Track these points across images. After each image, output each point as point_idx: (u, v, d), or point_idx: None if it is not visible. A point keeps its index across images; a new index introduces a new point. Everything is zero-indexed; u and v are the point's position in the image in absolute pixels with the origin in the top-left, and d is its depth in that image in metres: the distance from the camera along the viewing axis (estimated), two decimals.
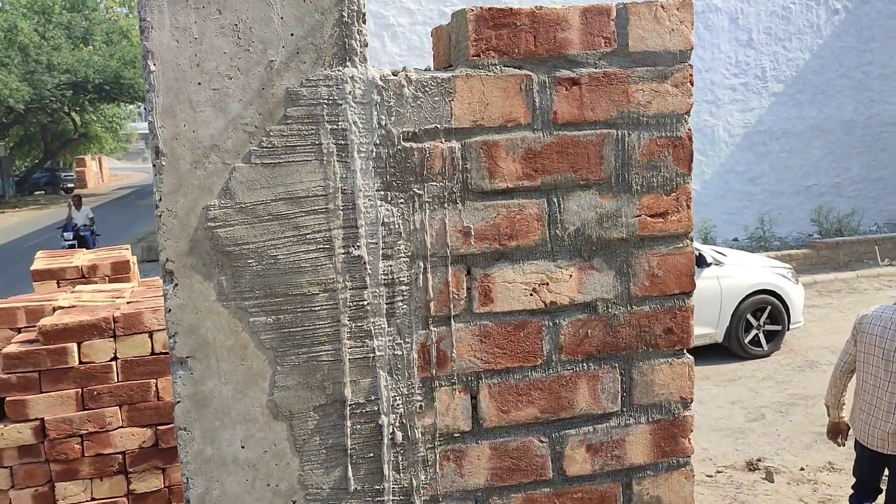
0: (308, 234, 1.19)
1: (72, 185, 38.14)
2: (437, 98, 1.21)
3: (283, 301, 1.19)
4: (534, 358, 1.30)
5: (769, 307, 8.88)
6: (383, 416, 1.25)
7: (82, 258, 3.99)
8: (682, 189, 1.32)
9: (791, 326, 9.03)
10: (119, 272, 3.85)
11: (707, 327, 8.70)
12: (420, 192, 1.22)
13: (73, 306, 2.91)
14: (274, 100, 1.16)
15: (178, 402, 1.18)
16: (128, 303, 2.96)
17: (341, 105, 1.18)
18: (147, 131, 1.17)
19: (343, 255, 1.20)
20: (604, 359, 1.33)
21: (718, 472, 5.95)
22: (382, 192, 1.21)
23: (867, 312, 4.17)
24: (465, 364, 1.27)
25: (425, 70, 1.24)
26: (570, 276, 1.30)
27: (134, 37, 32.99)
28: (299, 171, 1.17)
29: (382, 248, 1.22)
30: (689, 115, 1.31)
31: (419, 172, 1.22)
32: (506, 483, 1.31)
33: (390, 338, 1.24)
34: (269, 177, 1.17)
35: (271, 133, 1.16)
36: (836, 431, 4.30)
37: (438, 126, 1.22)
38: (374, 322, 1.23)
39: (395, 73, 1.20)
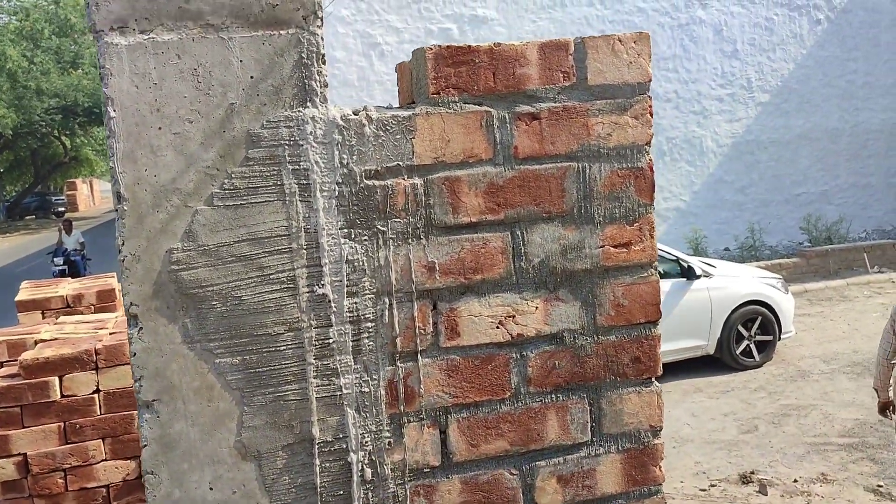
0: (272, 274, 1.19)
1: (62, 209, 38.08)
2: (398, 136, 1.23)
3: (248, 341, 1.19)
4: (502, 391, 1.30)
5: (760, 318, 8.90)
6: (352, 454, 1.25)
7: (67, 287, 3.99)
8: (645, 219, 1.33)
9: (782, 336, 9.05)
10: (105, 301, 3.85)
11: (698, 339, 8.72)
12: (384, 228, 1.23)
13: (56, 339, 2.90)
14: (235, 142, 1.17)
15: (145, 445, 1.18)
16: (111, 333, 2.95)
17: (302, 145, 1.19)
18: None
19: (307, 294, 1.21)
20: (572, 389, 1.33)
21: (712, 485, 5.95)
22: (346, 230, 1.22)
23: None
24: (434, 399, 1.28)
25: (387, 108, 1.25)
26: (536, 307, 1.30)
27: None
28: (262, 212, 1.18)
29: (347, 286, 1.22)
30: (649, 146, 1.32)
31: (382, 210, 1.23)
32: None
33: (357, 375, 1.24)
34: (231, 218, 1.17)
35: (233, 175, 1.17)
36: (885, 407, 4.68)
37: (400, 163, 1.23)
38: (340, 360, 1.23)
39: (355, 113, 1.22)
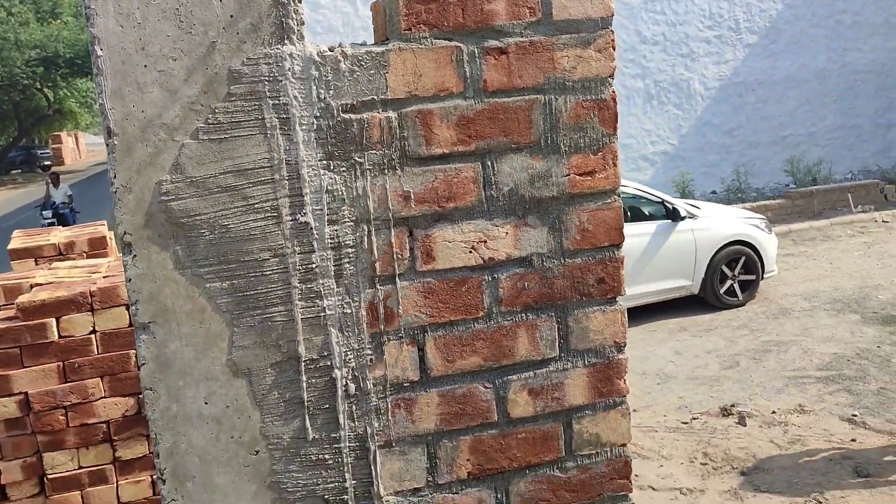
0: (256, 203, 1.27)
1: (48, 162, 37.62)
2: (372, 71, 1.29)
3: (236, 267, 1.28)
4: (475, 311, 1.39)
5: (743, 257, 9.04)
6: (336, 370, 1.35)
7: (59, 235, 4.05)
8: (609, 148, 1.41)
9: (765, 276, 9.21)
10: (96, 248, 3.91)
11: (683, 280, 8.87)
12: (361, 160, 1.31)
13: (51, 283, 2.98)
14: (217, 78, 1.23)
15: (143, 364, 1.27)
16: (104, 277, 3.03)
17: (281, 81, 1.25)
18: None
19: (291, 222, 1.29)
20: (541, 309, 1.43)
21: (694, 418, 6.14)
22: (325, 162, 1.29)
23: None
24: (411, 319, 1.37)
25: (361, 44, 1.31)
26: (507, 233, 1.39)
27: None
28: (245, 145, 1.25)
29: (328, 214, 1.30)
30: (612, 79, 1.39)
31: (359, 142, 1.30)
32: (454, 427, 1.42)
33: (339, 297, 1.33)
34: (216, 151, 1.25)
35: (216, 110, 1.24)
36: None
37: (375, 97, 1.30)
38: (323, 283, 1.32)
39: (331, 49, 1.28)
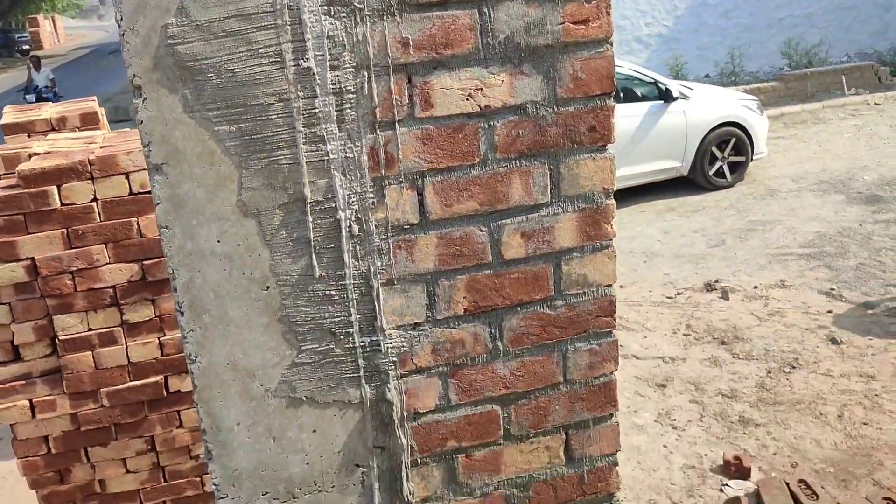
0: (260, 48, 1.31)
1: (27, 46, 36.61)
2: None
3: (242, 111, 1.33)
4: (472, 157, 1.46)
5: (734, 139, 9.08)
6: (340, 212, 1.42)
7: (50, 111, 4.03)
8: None
9: (754, 157, 9.27)
10: (88, 123, 3.91)
11: (673, 161, 8.92)
12: (360, 5, 1.34)
13: (49, 152, 3.02)
14: None
15: (158, 203, 1.34)
16: (101, 147, 3.06)
17: None
18: None
19: (294, 67, 1.33)
20: (534, 156, 1.49)
21: (678, 293, 6.35)
22: (325, 7, 1.32)
23: None
24: (411, 164, 1.44)
25: None
26: (502, 81, 1.44)
27: None
28: None
29: (329, 60, 1.34)
30: None
31: None
32: (452, 267, 1.51)
33: (342, 142, 1.39)
34: None
35: None
36: None
37: None
38: (326, 128, 1.37)
39: None
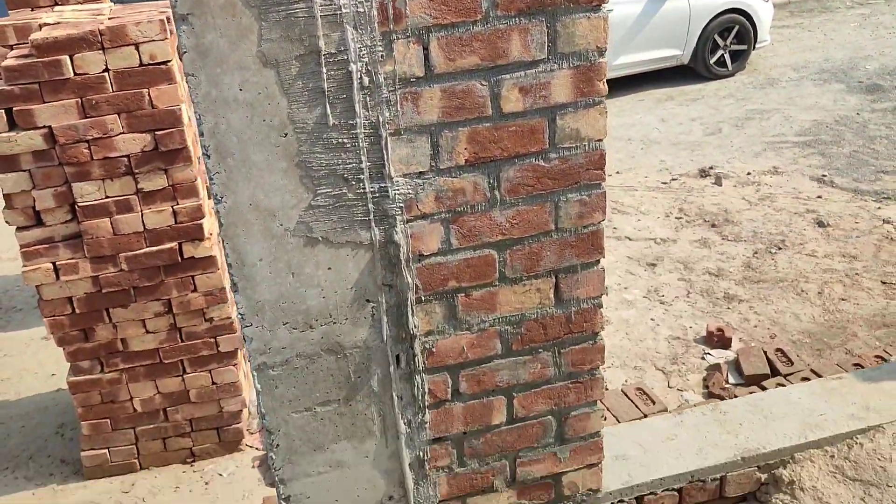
0: None
1: None
2: None
3: None
4: (474, 13, 1.56)
5: (737, 27, 8.97)
6: (352, 64, 1.54)
7: None
8: None
9: (757, 45, 9.19)
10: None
11: (674, 49, 8.86)
12: None
13: (59, 23, 3.08)
14: None
15: (185, 52, 1.45)
16: (109, 18, 3.12)
17: None
18: None
19: None
20: (533, 14, 1.59)
21: (673, 179, 6.48)
22: None
23: None
24: (417, 19, 1.54)
25: None
26: None
27: None
28: None
29: None
30: None
31: None
32: (454, 119, 1.64)
33: None
34: None
35: None
36: None
37: None
38: None
39: None
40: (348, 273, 1.71)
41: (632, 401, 3.62)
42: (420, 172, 1.67)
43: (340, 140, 1.60)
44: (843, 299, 4.53)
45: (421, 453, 1.93)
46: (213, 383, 3.62)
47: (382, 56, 1.55)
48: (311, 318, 1.74)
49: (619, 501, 2.21)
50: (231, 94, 1.50)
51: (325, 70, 1.52)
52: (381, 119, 1.60)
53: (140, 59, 3.01)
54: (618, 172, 6.75)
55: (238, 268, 1.66)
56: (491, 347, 1.88)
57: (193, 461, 3.76)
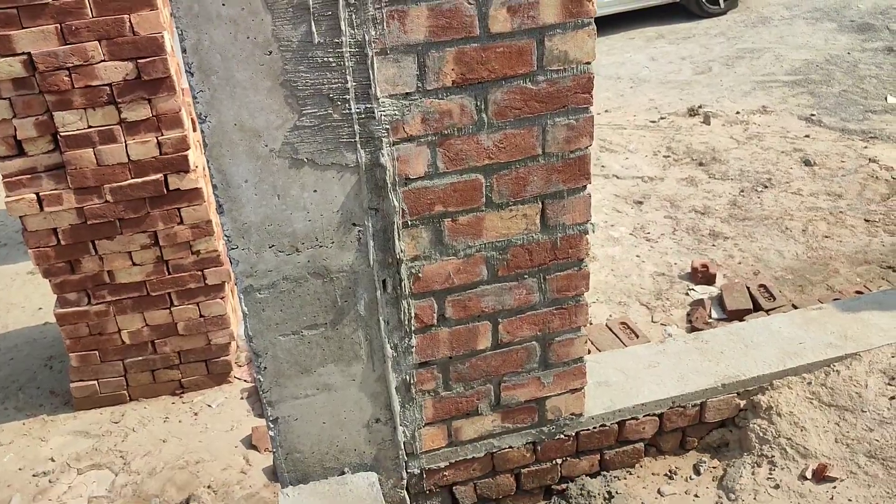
0: None
1: None
2: None
3: None
4: None
5: None
6: None
7: None
8: None
9: None
10: None
11: None
12: None
13: None
14: None
15: None
16: None
17: None
18: None
19: None
20: None
21: (662, 118, 6.45)
22: None
23: None
24: None
25: None
26: None
27: None
28: None
29: None
30: None
31: None
32: (441, 39, 1.62)
33: None
34: None
35: None
36: None
37: None
38: None
39: None
40: (334, 196, 1.71)
41: (615, 334, 3.67)
42: (406, 93, 1.66)
43: (326, 59, 1.57)
44: (826, 237, 4.57)
45: (407, 377, 1.96)
46: (201, 316, 3.63)
47: None
48: (297, 241, 1.74)
49: (601, 426, 2.26)
50: (214, 10, 1.48)
51: None
52: (366, 38, 1.58)
53: None
54: (606, 111, 6.71)
55: (223, 189, 1.65)
56: (477, 273, 1.89)
57: (182, 393, 3.80)
